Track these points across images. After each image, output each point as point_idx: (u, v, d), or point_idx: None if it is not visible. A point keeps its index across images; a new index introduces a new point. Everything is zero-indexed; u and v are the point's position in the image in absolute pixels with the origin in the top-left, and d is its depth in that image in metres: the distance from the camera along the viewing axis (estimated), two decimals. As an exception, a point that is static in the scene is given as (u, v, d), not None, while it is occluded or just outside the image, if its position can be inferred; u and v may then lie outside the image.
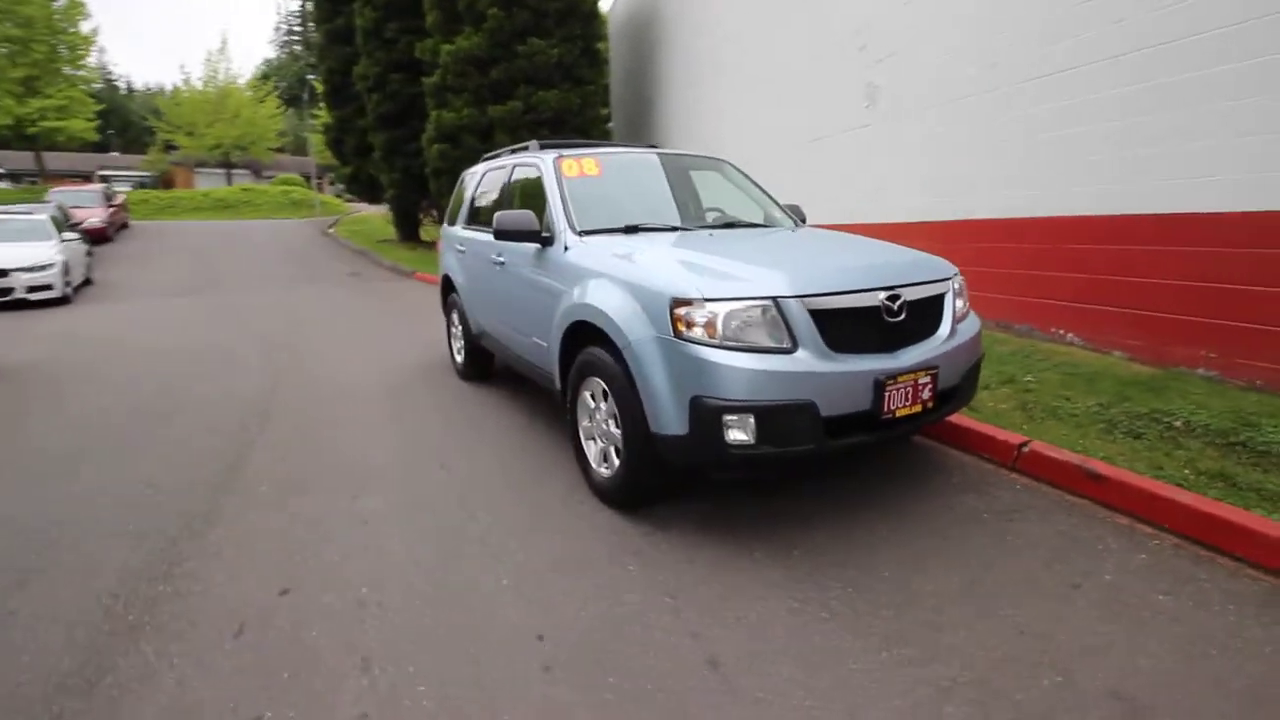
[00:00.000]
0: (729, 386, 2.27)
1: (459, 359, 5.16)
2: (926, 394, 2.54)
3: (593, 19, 12.47)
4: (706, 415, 2.29)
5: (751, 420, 2.28)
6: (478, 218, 4.65)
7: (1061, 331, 4.69)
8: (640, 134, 13.02)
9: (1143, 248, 4.06)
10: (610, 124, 13.26)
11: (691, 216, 3.67)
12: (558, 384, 3.24)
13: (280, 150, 40.03)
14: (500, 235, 3.37)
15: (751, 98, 8.52)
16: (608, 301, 2.66)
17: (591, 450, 2.99)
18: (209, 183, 35.68)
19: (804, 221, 4.03)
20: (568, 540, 2.61)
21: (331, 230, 21.01)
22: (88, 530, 2.79)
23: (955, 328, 2.74)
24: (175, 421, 4.20)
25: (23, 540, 2.71)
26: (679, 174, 4.02)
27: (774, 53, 7.93)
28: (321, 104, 39.20)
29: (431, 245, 16.97)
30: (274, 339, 6.80)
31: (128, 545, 2.65)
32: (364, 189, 16.98)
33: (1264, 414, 3.25)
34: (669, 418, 2.39)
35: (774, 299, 2.34)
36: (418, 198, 15.88)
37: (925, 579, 2.27)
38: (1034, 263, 4.83)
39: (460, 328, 5.00)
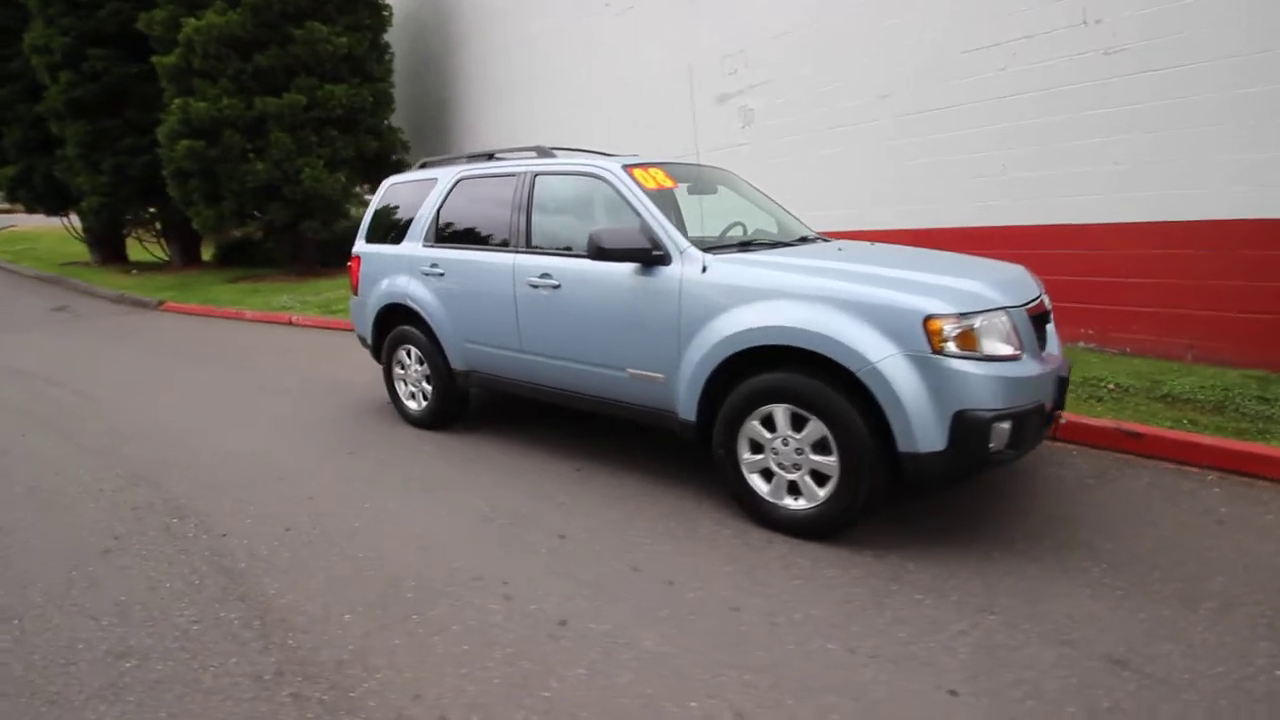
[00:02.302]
0: (993, 397, 2.34)
1: (415, 405, 4.27)
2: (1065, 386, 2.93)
3: (380, 9, 11.20)
4: (975, 427, 2.32)
5: (1009, 427, 2.38)
6: (455, 235, 3.90)
7: (959, 321, 5.67)
8: (436, 139, 12.06)
9: (1030, 251, 5.13)
10: (395, 125, 11.97)
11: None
12: (691, 418, 2.93)
13: None
14: (603, 255, 2.91)
15: (606, 109, 8.53)
16: (820, 322, 2.50)
17: (764, 485, 2.77)
18: None
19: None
20: (818, 589, 2.38)
21: (-29, 252, 15.22)
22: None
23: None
24: (33, 542, 2.74)
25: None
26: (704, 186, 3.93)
27: (646, 66, 8.04)
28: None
29: (158, 268, 13.39)
30: (37, 412, 4.77)
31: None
32: (40, 196, 12.66)
33: (1155, 372, 4.38)
34: (928, 434, 2.36)
35: (1006, 309, 2.47)
36: (135, 207, 12.42)
37: (1125, 542, 2.61)
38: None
39: (423, 366, 4.14)
